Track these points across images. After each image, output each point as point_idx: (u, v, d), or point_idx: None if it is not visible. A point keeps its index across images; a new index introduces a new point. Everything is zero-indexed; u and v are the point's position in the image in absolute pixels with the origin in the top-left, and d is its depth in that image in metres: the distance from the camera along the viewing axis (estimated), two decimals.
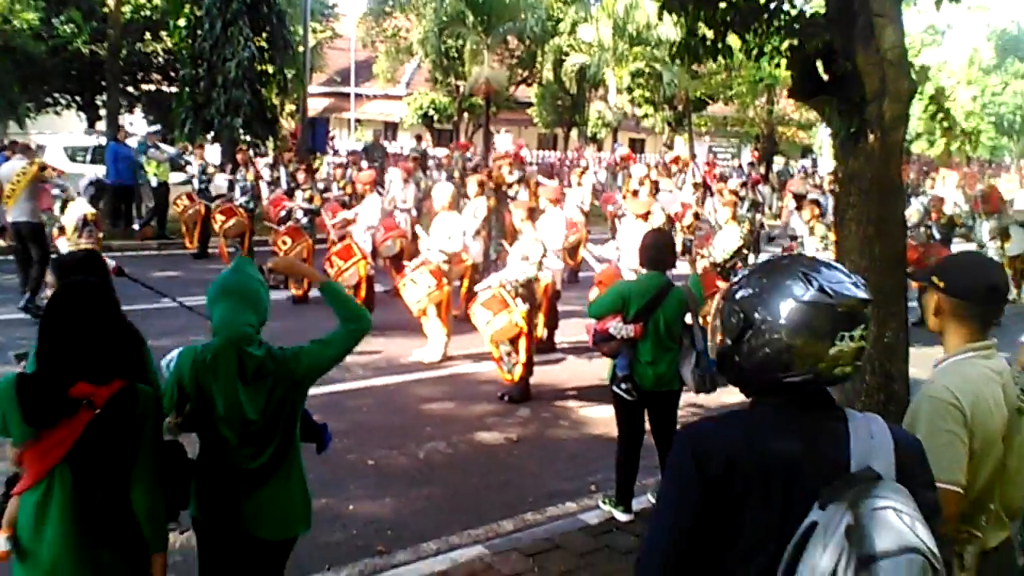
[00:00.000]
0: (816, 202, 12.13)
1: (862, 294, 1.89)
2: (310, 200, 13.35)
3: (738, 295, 2.01)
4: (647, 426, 6.11)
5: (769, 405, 1.98)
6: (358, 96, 38.78)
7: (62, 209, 10.26)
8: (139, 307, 10.87)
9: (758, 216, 16.04)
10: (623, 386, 5.90)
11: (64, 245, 9.14)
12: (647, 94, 35.47)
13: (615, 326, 5.83)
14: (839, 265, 1.98)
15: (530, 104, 37.03)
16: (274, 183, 16.87)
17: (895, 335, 6.14)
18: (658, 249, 6.12)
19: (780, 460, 1.86)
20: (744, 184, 18.03)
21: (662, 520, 1.97)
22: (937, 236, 13.59)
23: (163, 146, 18.31)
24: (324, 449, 4.00)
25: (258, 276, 3.51)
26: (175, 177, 18.00)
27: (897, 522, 1.68)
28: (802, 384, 1.92)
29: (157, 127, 19.44)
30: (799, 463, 1.85)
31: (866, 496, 1.73)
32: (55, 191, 11.28)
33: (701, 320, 6.15)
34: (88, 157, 20.46)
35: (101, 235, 9.51)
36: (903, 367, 6.09)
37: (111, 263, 8.79)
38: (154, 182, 17.06)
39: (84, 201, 9.32)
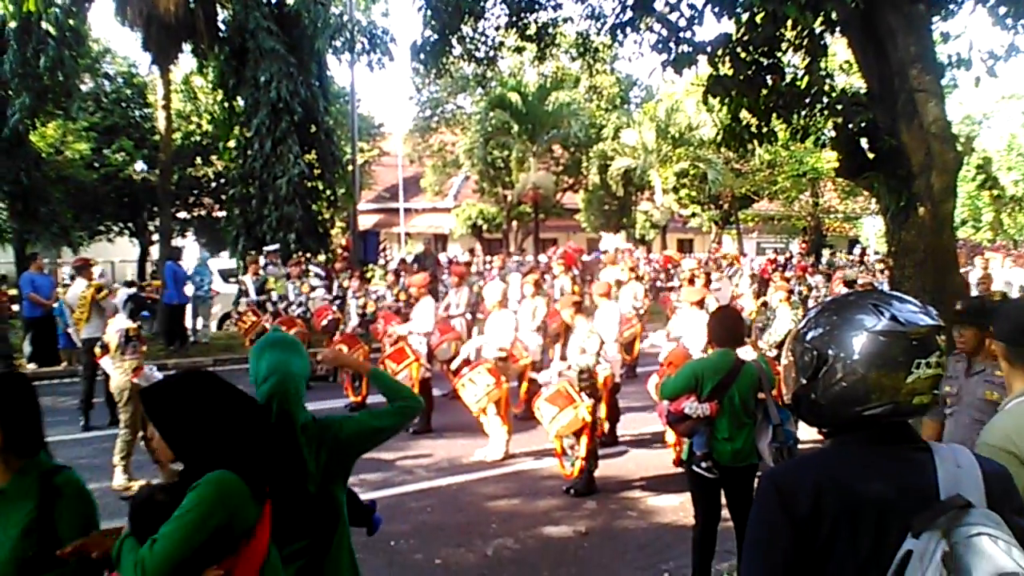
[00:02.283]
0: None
1: (934, 321, 1.89)
2: (364, 308, 13.52)
3: (809, 335, 2.01)
4: (723, 506, 6.02)
5: (850, 441, 1.97)
6: (407, 210, 39.50)
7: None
8: None
9: (809, 302, 15.98)
10: (703, 464, 5.82)
11: (108, 364, 8.98)
12: (693, 193, 35.80)
13: (690, 405, 5.76)
14: (908, 296, 1.99)
15: (577, 210, 37.45)
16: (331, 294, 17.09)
17: None
18: (727, 326, 6.05)
19: (868, 494, 1.84)
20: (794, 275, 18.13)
21: (753, 564, 1.94)
22: None
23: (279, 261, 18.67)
24: (374, 531, 3.88)
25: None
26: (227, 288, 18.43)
27: (992, 548, 1.66)
28: (881, 416, 1.91)
29: (276, 245, 19.75)
30: (887, 496, 1.84)
31: (959, 523, 1.71)
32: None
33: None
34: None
35: (145, 348, 9.35)
36: None
37: (159, 375, 8.94)
38: (274, 296, 17.24)
39: (124, 316, 9.11)
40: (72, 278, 16.00)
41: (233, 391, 2.81)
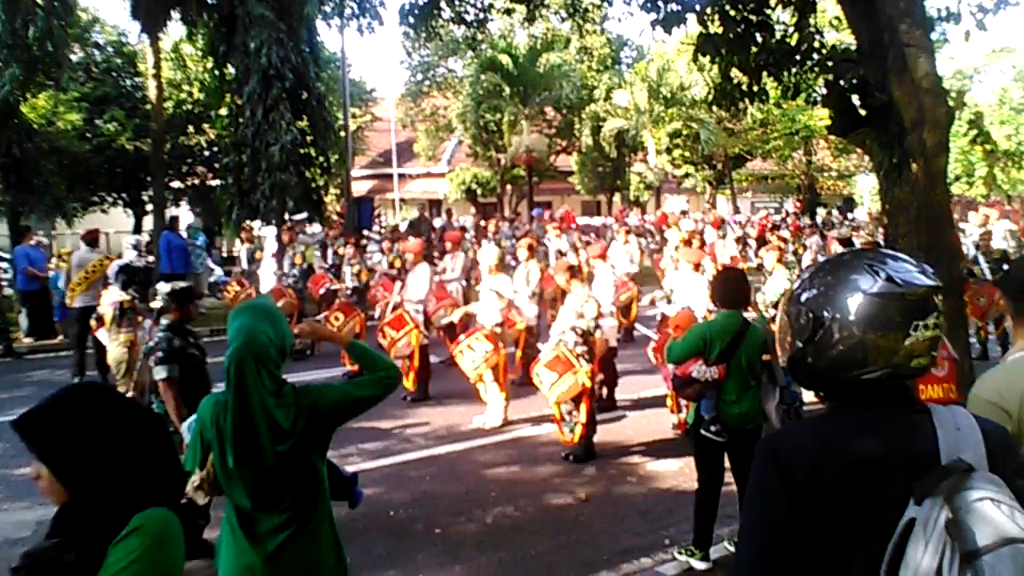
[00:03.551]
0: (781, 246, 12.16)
1: (931, 281, 1.85)
2: (359, 275, 13.49)
3: (804, 296, 1.96)
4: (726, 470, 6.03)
5: (848, 405, 1.93)
6: (401, 176, 39.35)
7: None
8: None
9: (805, 261, 16.00)
10: (712, 428, 5.80)
11: (104, 336, 9.03)
12: (686, 154, 35.71)
13: (698, 369, 5.76)
14: (904, 255, 1.94)
15: (571, 172, 37.31)
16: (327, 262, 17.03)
17: (959, 362, 6.05)
18: (733, 287, 6.02)
19: (867, 460, 1.81)
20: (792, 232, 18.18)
21: (751, 535, 1.91)
22: (987, 273, 13.37)
23: (309, 229, 18.60)
24: (356, 504, 3.87)
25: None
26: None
27: (996, 513, 1.63)
28: (879, 380, 1.87)
29: (305, 214, 19.66)
30: (887, 461, 1.81)
31: (961, 488, 1.68)
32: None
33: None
34: None
35: (141, 319, 9.16)
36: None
37: (149, 323, 8.99)
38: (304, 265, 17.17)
39: (116, 288, 9.05)
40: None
41: (131, 404, 2.38)
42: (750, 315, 6.48)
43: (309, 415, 3.19)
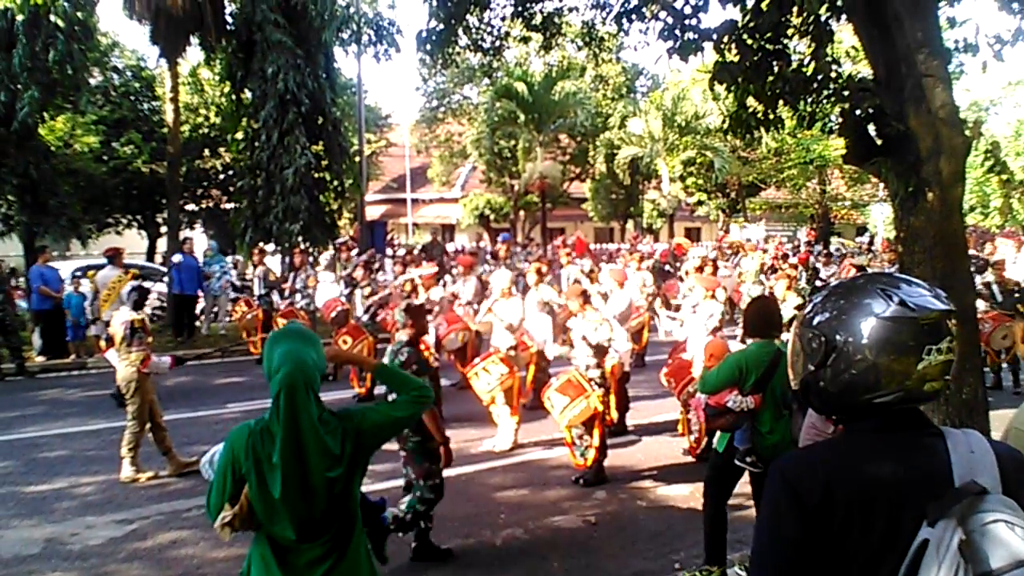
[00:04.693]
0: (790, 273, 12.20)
1: (944, 305, 1.86)
2: (372, 295, 13.57)
3: (816, 320, 1.97)
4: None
5: (861, 428, 1.94)
6: (414, 201, 39.49)
7: None
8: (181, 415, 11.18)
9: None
10: (748, 459, 5.77)
11: (114, 356, 9.07)
12: (700, 182, 35.71)
13: (734, 399, 5.71)
14: (917, 280, 1.96)
15: (584, 199, 37.38)
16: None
17: (973, 391, 6.01)
18: (767, 316, 6.03)
19: (880, 482, 1.82)
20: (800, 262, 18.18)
21: (763, 556, 1.91)
22: (999, 300, 13.32)
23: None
24: (384, 528, 3.81)
25: None
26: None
27: (1010, 535, 1.63)
28: (892, 404, 1.88)
29: (345, 237, 19.77)
30: (900, 483, 1.81)
31: (975, 511, 1.69)
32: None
33: None
34: None
35: (151, 339, 9.29)
36: (984, 423, 5.95)
37: (166, 359, 9.10)
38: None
39: (127, 308, 9.08)
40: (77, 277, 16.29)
41: None
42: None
43: (355, 439, 3.16)
